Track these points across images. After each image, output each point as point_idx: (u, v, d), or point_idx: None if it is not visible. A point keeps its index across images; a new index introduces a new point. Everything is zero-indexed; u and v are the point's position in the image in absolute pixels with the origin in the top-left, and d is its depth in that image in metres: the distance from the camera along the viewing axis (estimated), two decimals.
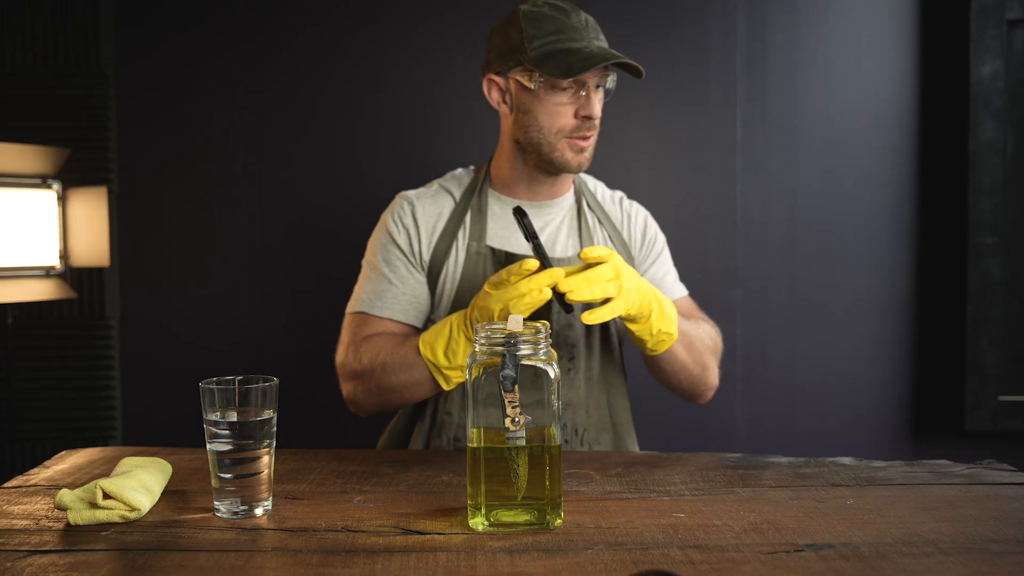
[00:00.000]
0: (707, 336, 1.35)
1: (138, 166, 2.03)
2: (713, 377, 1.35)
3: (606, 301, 1.10)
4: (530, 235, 1.12)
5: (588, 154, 1.32)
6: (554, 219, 1.39)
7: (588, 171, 1.51)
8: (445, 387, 1.19)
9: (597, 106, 1.28)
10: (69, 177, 1.93)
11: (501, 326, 0.87)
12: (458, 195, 1.40)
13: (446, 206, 1.38)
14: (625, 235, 1.44)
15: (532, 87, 1.27)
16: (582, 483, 1.01)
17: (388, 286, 1.35)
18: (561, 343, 1.34)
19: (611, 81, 1.30)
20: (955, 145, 1.97)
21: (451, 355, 1.15)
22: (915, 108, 2.01)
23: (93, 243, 1.90)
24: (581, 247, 1.38)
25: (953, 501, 0.94)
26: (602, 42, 1.29)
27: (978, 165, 1.94)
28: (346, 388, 1.33)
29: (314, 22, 2.01)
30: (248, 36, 2.02)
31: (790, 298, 2.04)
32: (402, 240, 1.36)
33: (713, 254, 2.02)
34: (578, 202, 1.42)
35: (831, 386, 2.04)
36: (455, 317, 1.16)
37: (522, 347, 0.85)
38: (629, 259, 1.42)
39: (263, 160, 2.04)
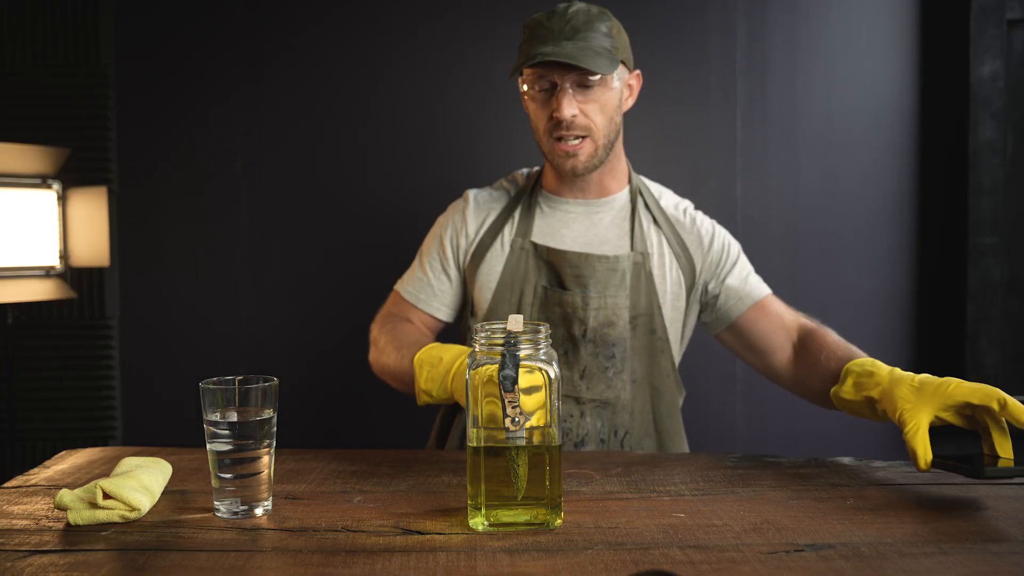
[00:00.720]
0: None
1: (138, 166, 2.03)
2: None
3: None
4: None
5: (582, 159, 1.31)
6: (602, 218, 1.40)
7: (656, 179, 1.51)
8: (417, 400, 1.18)
9: (565, 108, 1.26)
10: (69, 177, 1.93)
11: (501, 326, 0.87)
12: (514, 192, 1.45)
13: (501, 202, 1.43)
14: (688, 243, 1.41)
15: (523, 90, 1.33)
16: (582, 483, 1.01)
17: (424, 279, 1.44)
18: (599, 340, 1.34)
19: (598, 67, 1.25)
20: (955, 145, 1.97)
21: (430, 382, 1.12)
22: (915, 108, 2.01)
23: (93, 243, 1.90)
24: (632, 247, 1.37)
25: (953, 501, 0.94)
26: (579, 41, 1.26)
27: (978, 165, 1.94)
28: (370, 351, 1.39)
29: (314, 22, 2.01)
30: (248, 36, 2.02)
31: (790, 298, 2.02)
32: (448, 237, 1.43)
33: None
34: (632, 203, 1.41)
35: None
36: (453, 355, 1.11)
37: (522, 347, 0.85)
38: (690, 267, 1.39)
39: (263, 160, 2.04)
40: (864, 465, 1.09)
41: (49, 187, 1.87)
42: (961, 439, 0.95)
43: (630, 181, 1.43)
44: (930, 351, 2.03)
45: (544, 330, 0.87)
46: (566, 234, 1.38)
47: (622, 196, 1.41)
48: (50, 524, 0.86)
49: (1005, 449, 0.92)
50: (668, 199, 1.46)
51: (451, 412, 1.48)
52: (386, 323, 1.40)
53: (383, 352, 1.32)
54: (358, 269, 2.03)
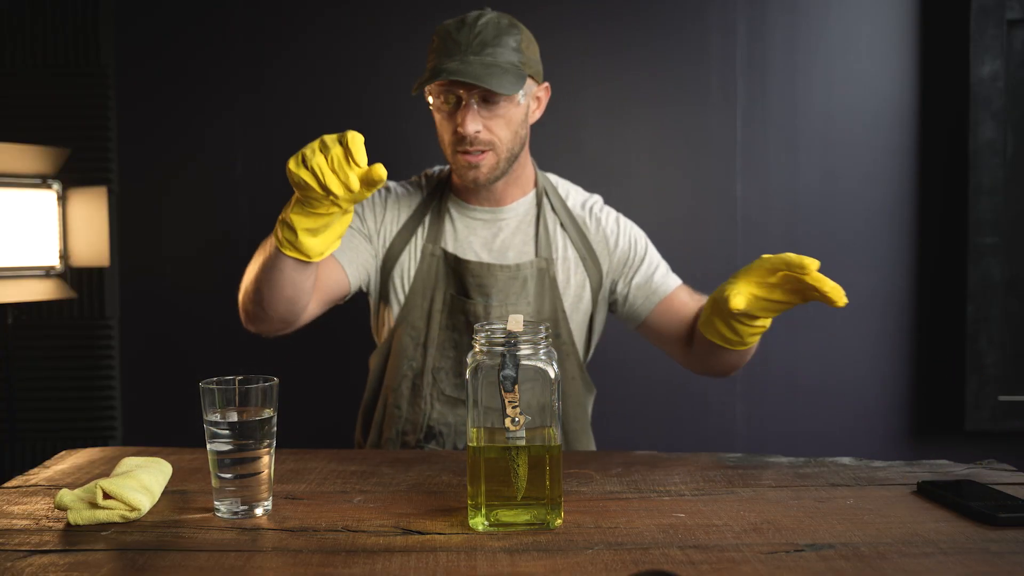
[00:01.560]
0: None
1: (138, 166, 2.03)
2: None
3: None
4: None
5: (484, 170, 1.30)
6: (508, 223, 1.40)
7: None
8: (289, 251, 1.10)
9: (469, 124, 1.26)
10: (69, 177, 1.93)
11: (501, 326, 0.87)
12: (425, 194, 1.43)
13: (414, 202, 1.42)
14: (595, 243, 1.40)
15: (429, 102, 1.33)
16: (582, 483, 1.01)
17: None
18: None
19: (500, 86, 1.23)
20: (955, 145, 1.97)
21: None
22: (915, 108, 2.01)
23: (93, 243, 1.90)
24: (536, 253, 1.37)
25: None
26: (486, 57, 1.25)
27: (978, 165, 1.94)
28: (240, 308, 1.30)
29: (314, 22, 2.01)
30: (248, 36, 2.02)
31: None
32: (369, 210, 1.40)
33: (713, 254, 2.02)
34: (539, 205, 1.41)
35: (831, 386, 2.04)
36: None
37: (522, 347, 0.85)
38: (596, 269, 1.40)
39: (263, 160, 2.04)
40: (864, 465, 1.09)
41: (49, 187, 1.87)
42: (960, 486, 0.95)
43: (536, 184, 1.43)
44: (930, 351, 2.03)
45: (544, 330, 0.87)
46: (473, 241, 1.38)
47: (526, 201, 1.41)
48: (50, 524, 0.86)
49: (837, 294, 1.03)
50: (575, 198, 1.44)
51: (372, 403, 1.46)
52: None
53: (247, 274, 1.24)
54: None
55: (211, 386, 0.89)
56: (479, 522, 0.85)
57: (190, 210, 2.04)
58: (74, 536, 0.83)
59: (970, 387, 1.95)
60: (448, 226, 1.40)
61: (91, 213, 1.89)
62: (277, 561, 0.77)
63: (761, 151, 2.02)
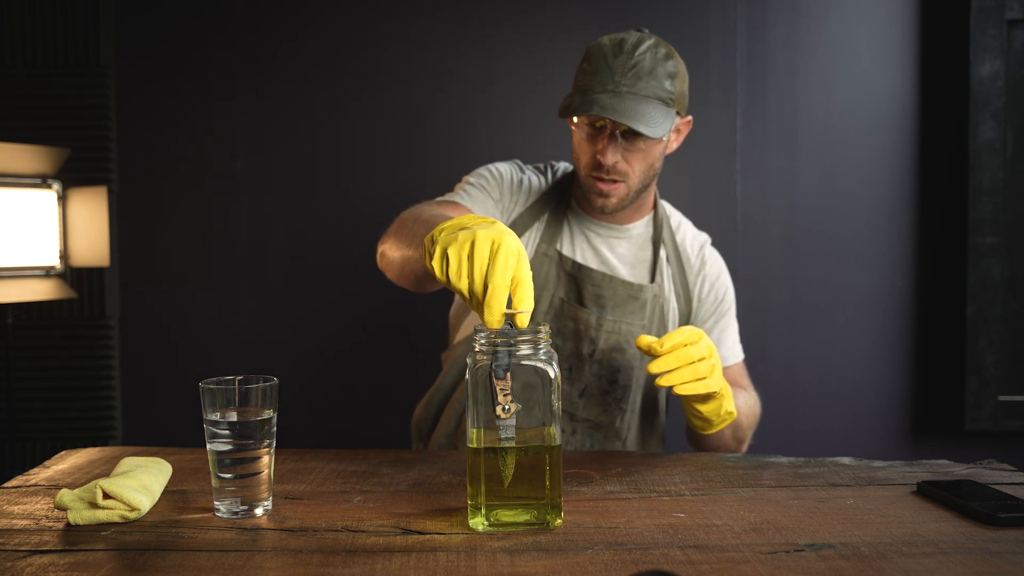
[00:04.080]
0: (752, 412, 1.33)
1: (138, 166, 2.03)
2: (744, 448, 1.35)
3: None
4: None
5: (614, 200, 1.30)
6: (622, 243, 1.39)
7: (677, 206, 1.50)
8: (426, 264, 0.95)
9: (610, 156, 1.24)
10: (69, 177, 1.93)
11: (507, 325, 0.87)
12: (550, 189, 1.41)
13: (536, 193, 1.40)
14: (694, 284, 1.41)
15: (572, 121, 1.30)
16: (582, 483, 1.01)
17: (464, 195, 1.34)
18: (605, 362, 1.33)
19: (650, 130, 1.22)
20: (955, 145, 1.97)
21: (443, 231, 0.89)
22: (915, 108, 2.01)
23: (93, 243, 1.90)
24: (652, 279, 1.37)
25: None
26: (639, 92, 1.23)
27: (978, 165, 1.94)
28: (380, 249, 1.25)
29: (314, 21, 2.01)
30: (248, 36, 2.02)
31: (790, 298, 2.04)
32: (505, 191, 1.37)
33: None
34: (656, 236, 1.40)
35: (831, 386, 2.04)
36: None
37: (522, 346, 0.85)
38: (687, 308, 1.40)
39: (263, 160, 2.04)
40: (864, 465, 1.09)
41: (49, 187, 1.87)
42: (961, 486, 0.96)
43: (655, 208, 1.42)
44: (930, 351, 2.03)
45: (544, 330, 0.87)
46: (587, 251, 1.37)
47: (641, 224, 1.40)
48: (50, 524, 0.86)
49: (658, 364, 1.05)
50: (686, 231, 1.44)
51: (449, 395, 1.43)
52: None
53: (403, 221, 1.18)
54: (358, 269, 2.03)
55: (211, 386, 0.89)
56: (479, 522, 0.85)
57: (190, 210, 2.04)
58: (74, 536, 0.83)
59: (970, 387, 1.95)
60: (566, 230, 1.38)
61: (91, 213, 1.89)
62: (277, 561, 0.77)
63: (761, 151, 2.02)
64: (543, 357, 0.85)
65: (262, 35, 2.02)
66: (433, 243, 0.85)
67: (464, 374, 1.37)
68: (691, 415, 1.16)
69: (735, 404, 1.21)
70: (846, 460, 1.11)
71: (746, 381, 1.42)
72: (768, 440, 2.04)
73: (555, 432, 0.85)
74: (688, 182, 2.02)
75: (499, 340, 0.84)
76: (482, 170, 1.40)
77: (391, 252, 1.19)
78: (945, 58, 1.97)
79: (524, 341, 0.85)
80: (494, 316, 0.81)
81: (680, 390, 1.06)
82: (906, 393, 2.04)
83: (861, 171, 2.01)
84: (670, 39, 2.07)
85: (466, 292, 0.82)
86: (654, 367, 1.05)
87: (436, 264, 0.83)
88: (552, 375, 0.85)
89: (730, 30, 2.01)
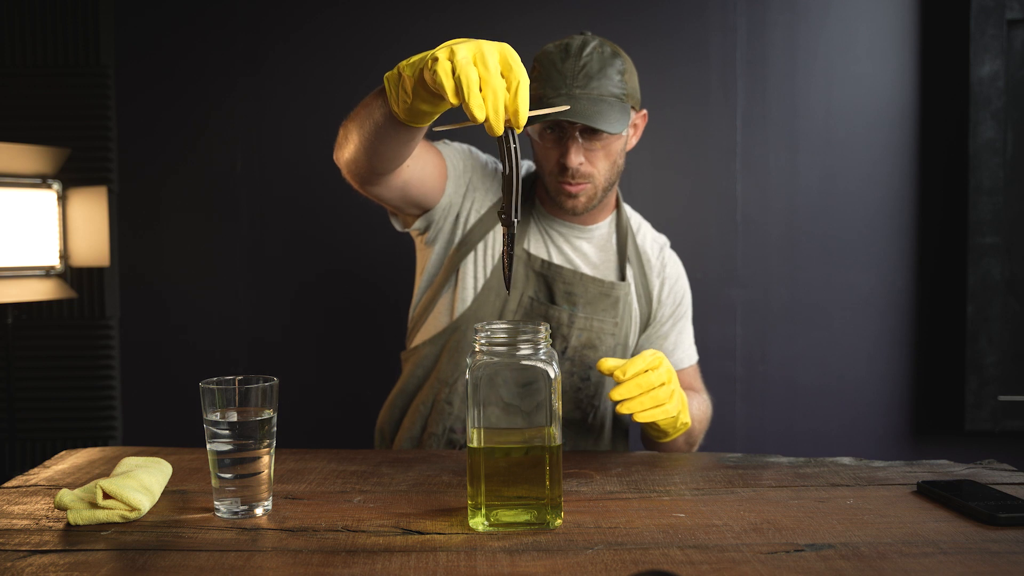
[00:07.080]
0: (704, 416, 1.34)
1: (138, 166, 2.03)
2: (695, 450, 1.35)
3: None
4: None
5: (582, 199, 1.31)
6: (586, 243, 1.40)
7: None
8: (394, 107, 0.99)
9: (573, 157, 1.26)
10: (69, 177, 1.93)
11: (502, 326, 0.87)
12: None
13: (498, 189, 1.40)
14: (654, 285, 1.42)
15: (528, 130, 1.32)
16: (582, 483, 1.01)
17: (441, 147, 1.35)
18: (578, 360, 1.34)
19: (609, 126, 1.23)
20: (955, 145, 1.97)
21: (408, 66, 0.91)
22: (915, 108, 2.01)
23: (93, 243, 1.90)
24: (621, 277, 1.38)
25: None
26: (591, 91, 1.24)
27: (978, 165, 1.94)
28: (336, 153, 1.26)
29: (314, 22, 2.01)
30: (247, 35, 2.02)
31: (790, 298, 2.04)
32: (474, 179, 1.37)
33: (713, 254, 2.02)
34: (622, 235, 1.41)
35: (831, 386, 2.04)
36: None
37: (522, 347, 0.85)
38: (648, 309, 1.41)
39: (263, 160, 2.04)
40: (864, 465, 1.09)
41: (49, 187, 1.87)
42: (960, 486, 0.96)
43: (617, 209, 1.43)
44: (930, 351, 2.03)
45: (544, 330, 0.87)
46: (552, 251, 1.38)
47: (604, 225, 1.41)
48: (50, 524, 0.86)
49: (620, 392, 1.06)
50: (645, 232, 1.46)
51: (410, 395, 1.42)
52: None
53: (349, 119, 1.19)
54: (358, 269, 2.03)
55: (211, 386, 0.89)
56: (479, 522, 0.85)
57: (190, 210, 2.04)
58: (74, 536, 0.83)
59: (970, 387, 1.95)
60: (532, 228, 1.39)
61: (91, 213, 1.89)
62: (277, 561, 0.77)
63: (761, 151, 2.02)
64: (543, 357, 0.86)
65: (262, 35, 2.02)
66: (435, 60, 0.83)
67: (427, 377, 1.39)
68: (647, 426, 1.17)
69: (690, 413, 1.23)
70: (846, 460, 1.11)
71: (699, 383, 1.44)
72: (768, 440, 2.05)
73: (555, 432, 0.86)
74: (688, 182, 2.02)
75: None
76: (452, 143, 1.41)
77: (348, 130, 1.19)
78: (945, 58, 1.97)
79: (524, 341, 0.85)
80: (521, 118, 0.82)
81: (639, 418, 1.07)
82: (906, 393, 2.04)
83: (861, 171, 2.02)
84: (670, 39, 2.08)
85: (474, 82, 0.80)
86: (616, 394, 1.06)
87: (442, 64, 0.82)
88: (552, 375, 0.85)
89: (730, 30, 2.01)
